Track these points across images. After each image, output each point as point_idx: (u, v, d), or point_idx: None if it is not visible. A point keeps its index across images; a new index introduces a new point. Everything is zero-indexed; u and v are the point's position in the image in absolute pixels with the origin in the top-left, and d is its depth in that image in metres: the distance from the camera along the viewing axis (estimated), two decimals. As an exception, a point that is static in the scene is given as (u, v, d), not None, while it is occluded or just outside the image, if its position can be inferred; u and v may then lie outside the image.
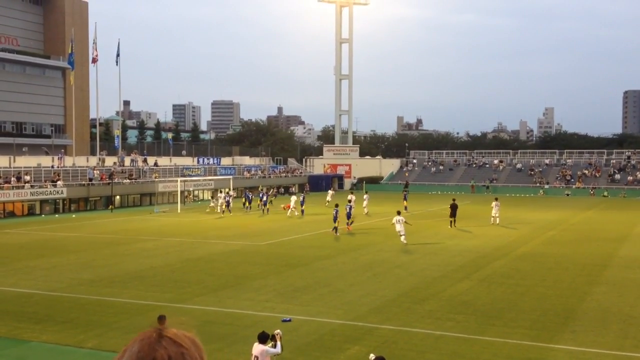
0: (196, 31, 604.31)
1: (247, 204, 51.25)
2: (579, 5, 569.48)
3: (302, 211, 47.69)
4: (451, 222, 39.89)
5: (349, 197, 44.99)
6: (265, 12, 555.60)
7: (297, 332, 15.86)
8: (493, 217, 41.77)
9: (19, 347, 15.27)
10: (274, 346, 11.77)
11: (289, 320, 16.87)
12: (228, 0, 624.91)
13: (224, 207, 48.81)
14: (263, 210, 49.48)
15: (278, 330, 12.23)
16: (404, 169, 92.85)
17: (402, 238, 31.53)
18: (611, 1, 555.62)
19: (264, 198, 50.31)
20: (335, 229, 36.00)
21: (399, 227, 31.79)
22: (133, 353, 1.71)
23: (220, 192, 57.10)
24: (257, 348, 11.71)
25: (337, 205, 37.63)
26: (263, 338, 11.80)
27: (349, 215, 37.90)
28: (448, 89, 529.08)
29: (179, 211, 51.64)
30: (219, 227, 40.57)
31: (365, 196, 51.33)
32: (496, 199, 43.63)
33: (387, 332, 16.17)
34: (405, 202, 51.78)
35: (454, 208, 40.15)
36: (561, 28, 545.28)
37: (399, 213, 33.29)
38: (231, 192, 54.03)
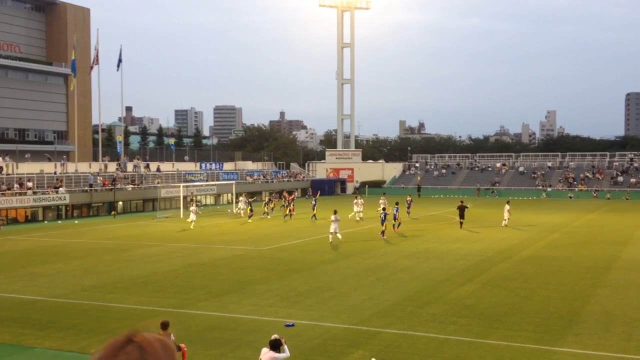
0: (198, 37, 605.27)
1: (266, 209, 50.83)
2: (581, 9, 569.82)
3: (314, 216, 47.53)
4: (461, 223, 40.94)
5: (381, 200, 45.82)
6: (267, 18, 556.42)
7: (301, 337, 15.85)
8: (505, 219, 42.06)
9: (23, 353, 15.28)
10: (281, 351, 11.69)
11: (292, 325, 16.87)
12: (230, 7, 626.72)
13: (248, 212, 48.21)
14: (285, 216, 49.25)
15: (276, 335, 12.13)
16: (407, 173, 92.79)
17: (335, 235, 33.77)
18: (613, 5, 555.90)
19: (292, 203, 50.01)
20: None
21: (334, 226, 33.86)
22: (95, 358, 1.76)
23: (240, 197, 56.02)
24: (267, 354, 11.56)
25: (397, 203, 41.14)
26: (276, 345, 11.62)
27: (395, 218, 39.69)
28: (450, 92, 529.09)
29: (181, 216, 51.66)
30: (222, 232, 40.58)
31: (360, 201, 49.93)
32: (508, 202, 43.82)
33: (390, 336, 16.15)
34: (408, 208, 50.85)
35: (461, 209, 40.95)
36: (563, 31, 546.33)
37: (335, 212, 35.05)
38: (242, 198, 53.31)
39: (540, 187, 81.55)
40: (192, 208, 44.23)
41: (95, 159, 68.68)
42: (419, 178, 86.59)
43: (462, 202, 42.00)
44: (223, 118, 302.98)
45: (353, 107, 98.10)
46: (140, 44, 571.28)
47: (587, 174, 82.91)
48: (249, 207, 48.24)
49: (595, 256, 29.26)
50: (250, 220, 46.83)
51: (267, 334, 13.24)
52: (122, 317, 18.11)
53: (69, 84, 68.50)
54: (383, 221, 36.60)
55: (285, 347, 11.75)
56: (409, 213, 49.63)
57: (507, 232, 39.40)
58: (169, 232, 40.60)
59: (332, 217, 34.54)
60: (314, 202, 49.36)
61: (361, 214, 48.26)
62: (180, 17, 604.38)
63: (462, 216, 40.88)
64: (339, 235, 34.09)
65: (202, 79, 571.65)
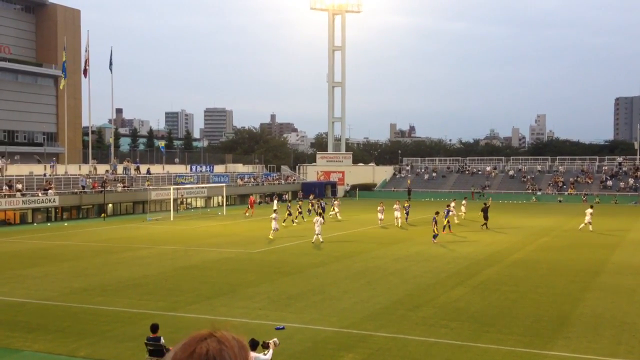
0: (189, 39, 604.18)
1: (297, 214, 49.18)
2: (570, 13, 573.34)
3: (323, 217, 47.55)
4: (485, 224, 42.83)
5: (395, 205, 46.39)
6: (258, 20, 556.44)
7: (291, 340, 15.82)
8: (585, 223, 42.01)
9: (12, 356, 15.17)
10: (258, 351, 11.66)
11: (283, 328, 16.83)
12: (222, 9, 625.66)
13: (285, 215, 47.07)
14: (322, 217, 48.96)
15: (275, 339, 12.09)
16: (397, 176, 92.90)
17: (319, 237, 34.70)
18: (602, 9, 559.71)
19: (324, 205, 49.76)
20: (436, 235, 36.32)
21: (318, 228, 34.90)
22: (180, 345, 1.95)
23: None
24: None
25: (448, 205, 42.53)
26: (253, 345, 11.65)
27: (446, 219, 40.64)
28: (440, 96, 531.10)
29: (172, 219, 51.52)
30: (212, 235, 40.48)
31: (382, 208, 47.30)
32: (591, 207, 44.14)
33: (381, 339, 16.15)
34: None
35: (484, 211, 43.16)
36: (553, 36, 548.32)
37: (319, 214, 38.25)
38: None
39: (530, 191, 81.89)
40: (273, 215, 38.59)
41: (85, 161, 68.37)
42: (409, 181, 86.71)
43: (485, 203, 44.61)
44: (213, 120, 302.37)
45: (344, 110, 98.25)
46: (130, 46, 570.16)
47: (577, 178, 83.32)
48: (287, 211, 47.99)
49: (584, 260, 29.39)
50: (284, 224, 45.25)
51: (257, 337, 13.20)
52: (111, 320, 18.03)
53: (59, 85, 68.25)
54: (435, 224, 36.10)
55: (271, 351, 11.68)
56: (407, 219, 49.37)
57: (496, 235, 39.53)
58: (159, 235, 40.44)
59: (314, 219, 36.29)
60: (323, 205, 49.51)
61: (381, 222, 46.13)
62: (171, 19, 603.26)
63: (485, 217, 42.88)
64: (320, 238, 34.91)
65: (192, 81, 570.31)
